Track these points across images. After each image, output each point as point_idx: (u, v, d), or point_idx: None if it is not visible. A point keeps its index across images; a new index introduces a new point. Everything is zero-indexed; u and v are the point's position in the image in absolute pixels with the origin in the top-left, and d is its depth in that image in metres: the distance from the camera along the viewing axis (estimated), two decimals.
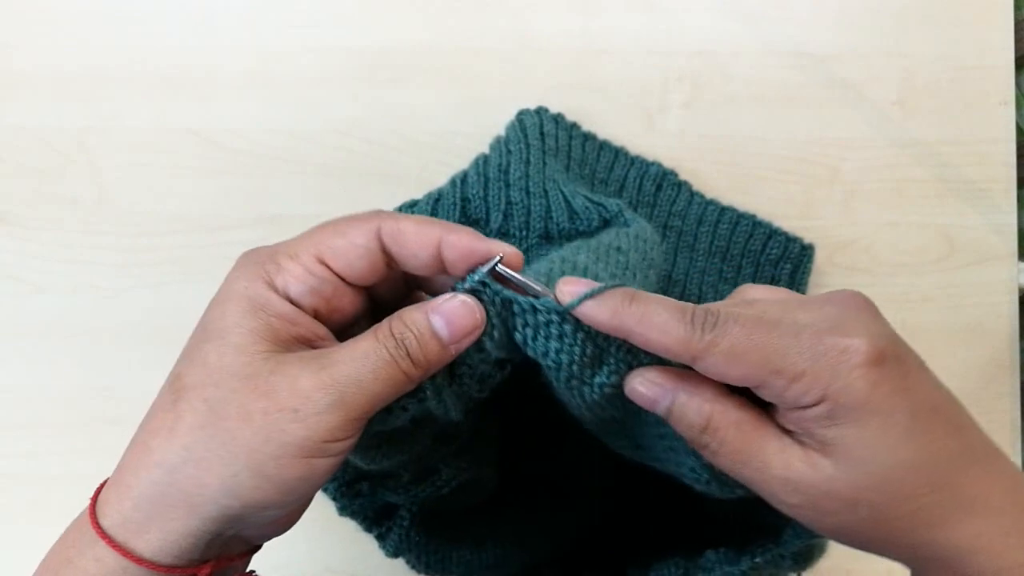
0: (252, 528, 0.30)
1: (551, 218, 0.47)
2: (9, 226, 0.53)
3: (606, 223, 0.46)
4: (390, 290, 0.33)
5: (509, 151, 0.49)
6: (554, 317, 0.29)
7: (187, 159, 0.53)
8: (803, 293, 0.52)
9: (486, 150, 0.52)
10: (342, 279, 0.30)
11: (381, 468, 0.36)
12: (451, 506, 0.42)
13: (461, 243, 0.30)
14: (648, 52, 0.54)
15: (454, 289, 0.31)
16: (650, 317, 0.29)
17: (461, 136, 0.53)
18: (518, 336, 0.30)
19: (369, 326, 0.30)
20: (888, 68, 0.55)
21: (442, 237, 0.30)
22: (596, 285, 0.29)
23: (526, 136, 0.50)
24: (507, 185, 0.48)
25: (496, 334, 0.31)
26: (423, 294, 0.34)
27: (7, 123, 0.53)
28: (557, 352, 0.30)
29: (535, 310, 0.30)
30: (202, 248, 0.53)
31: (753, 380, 0.28)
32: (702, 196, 0.53)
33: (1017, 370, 0.54)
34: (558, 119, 0.52)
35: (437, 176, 0.52)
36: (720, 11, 0.54)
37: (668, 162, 0.53)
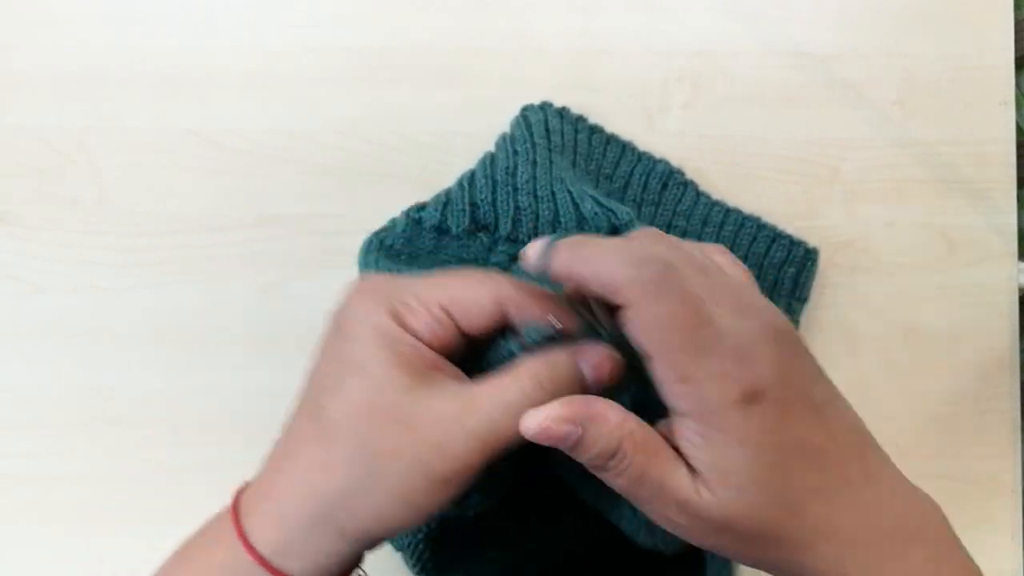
0: (374, 545, 0.33)
1: (559, 223, 0.47)
2: (9, 226, 0.53)
3: (615, 230, 0.46)
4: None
5: (515, 151, 0.49)
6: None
7: (187, 159, 0.53)
8: (806, 297, 0.52)
9: (486, 150, 0.52)
10: (459, 330, 0.32)
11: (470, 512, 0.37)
12: (460, 526, 0.43)
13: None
14: (648, 52, 0.54)
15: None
16: (598, 257, 0.30)
17: (461, 136, 0.53)
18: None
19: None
20: (888, 68, 0.55)
21: (554, 313, 0.32)
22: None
23: (531, 134, 0.49)
24: (515, 189, 0.48)
25: None
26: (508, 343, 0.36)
27: (7, 123, 0.53)
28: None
29: None
30: (202, 248, 0.53)
31: (649, 352, 0.29)
32: (708, 197, 0.53)
33: (1017, 370, 0.54)
34: (563, 113, 0.52)
35: (437, 176, 0.52)
36: (720, 11, 0.54)
37: (670, 162, 0.53)
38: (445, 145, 0.53)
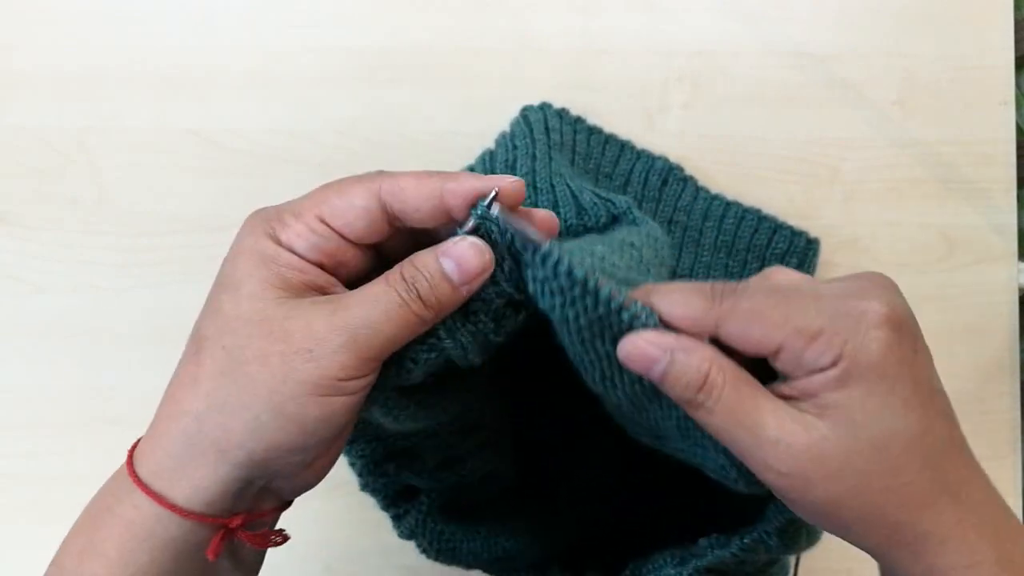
0: (281, 478, 0.31)
1: (558, 214, 0.47)
2: (9, 226, 0.53)
3: (614, 219, 0.46)
4: (400, 247, 0.33)
5: (515, 147, 0.49)
6: (549, 272, 0.30)
7: (187, 159, 0.53)
8: None
9: (486, 149, 0.52)
10: (344, 238, 0.31)
11: (407, 430, 0.37)
12: (469, 496, 0.43)
13: (462, 187, 0.31)
14: (648, 52, 0.54)
15: (457, 233, 0.31)
16: (671, 294, 0.30)
17: (461, 136, 0.53)
18: (529, 286, 0.31)
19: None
20: (888, 68, 0.55)
21: (442, 186, 0.31)
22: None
23: (531, 131, 0.50)
24: None
25: (506, 267, 0.31)
26: None
27: (7, 123, 0.53)
28: (561, 307, 0.30)
29: (536, 261, 0.30)
30: (202, 248, 0.53)
31: (773, 341, 0.28)
32: (707, 191, 0.53)
33: (1017, 370, 0.54)
34: (562, 113, 0.52)
35: None
36: (720, 11, 0.54)
37: (669, 159, 0.53)
38: (445, 145, 0.53)
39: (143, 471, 0.30)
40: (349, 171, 0.53)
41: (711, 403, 0.29)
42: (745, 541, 0.35)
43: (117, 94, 0.53)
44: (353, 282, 0.32)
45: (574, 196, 0.47)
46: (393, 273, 0.30)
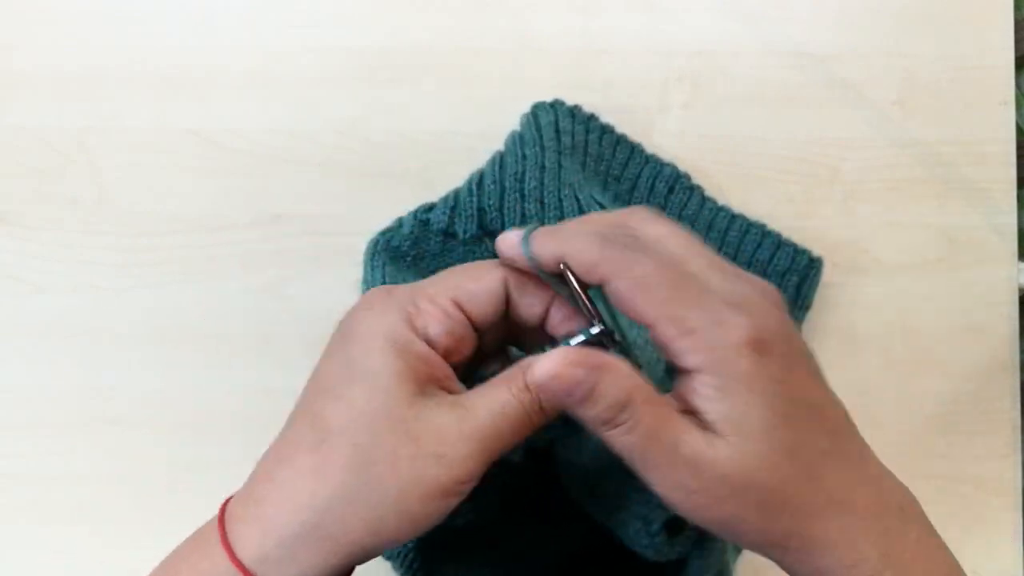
0: (367, 559, 0.32)
1: None
2: (9, 226, 0.53)
3: None
4: (493, 340, 0.34)
5: (524, 155, 0.49)
6: None
7: (187, 159, 0.53)
8: (809, 306, 0.52)
9: (487, 150, 0.52)
10: (472, 322, 0.32)
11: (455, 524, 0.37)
12: (451, 535, 0.43)
13: (567, 317, 0.33)
14: (648, 52, 0.54)
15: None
16: (571, 238, 0.30)
17: (461, 136, 0.53)
18: None
19: (472, 367, 0.33)
20: (888, 68, 0.55)
21: (554, 300, 0.33)
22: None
23: (541, 136, 0.49)
24: (522, 197, 0.48)
25: None
26: (513, 349, 0.36)
27: (7, 123, 0.53)
28: None
29: None
30: (202, 248, 0.53)
31: (648, 317, 0.29)
32: (714, 201, 0.53)
33: (1017, 370, 0.54)
34: (574, 112, 0.51)
35: (437, 176, 0.52)
36: (720, 11, 0.54)
37: (678, 166, 0.53)
38: (445, 145, 0.53)
39: (247, 556, 0.30)
40: (349, 171, 0.53)
41: (632, 422, 0.29)
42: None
43: (117, 94, 0.53)
44: (458, 368, 0.33)
45: (581, 211, 0.47)
46: (516, 380, 0.31)
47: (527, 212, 0.48)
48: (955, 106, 0.54)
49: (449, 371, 0.32)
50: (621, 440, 0.30)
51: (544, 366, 0.29)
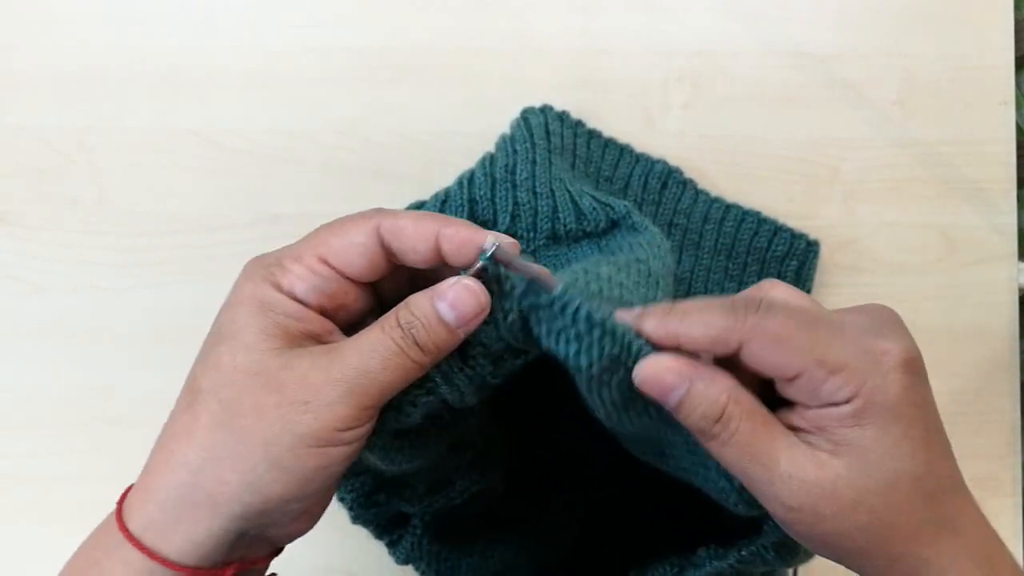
0: (276, 527, 0.31)
1: (558, 219, 0.47)
2: (9, 226, 0.53)
3: (614, 224, 0.46)
4: (395, 287, 0.33)
5: (515, 151, 0.49)
6: (568, 320, 0.29)
7: (187, 159, 0.53)
8: (808, 290, 0.52)
9: (486, 150, 0.52)
10: (345, 277, 0.31)
11: (402, 470, 0.36)
12: (460, 515, 0.43)
13: (458, 235, 0.31)
14: (648, 52, 0.54)
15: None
16: (692, 314, 0.29)
17: (461, 136, 0.53)
18: (535, 332, 0.31)
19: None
20: (888, 68, 0.55)
21: (439, 230, 0.31)
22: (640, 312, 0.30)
23: (531, 135, 0.50)
24: (514, 186, 0.48)
25: (510, 318, 0.31)
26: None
27: (7, 123, 0.53)
28: (576, 355, 0.30)
29: (553, 311, 0.30)
30: (202, 248, 0.53)
31: (794, 368, 0.28)
32: (707, 194, 0.53)
33: (1017, 370, 0.54)
34: (563, 117, 0.52)
35: (437, 176, 0.52)
36: (720, 11, 0.54)
37: (668, 162, 0.53)
38: (445, 145, 0.53)
39: (134, 525, 0.29)
40: (349, 171, 0.53)
41: (726, 435, 0.29)
42: (743, 553, 0.35)
43: (117, 94, 0.53)
44: (353, 325, 0.32)
45: (574, 201, 0.47)
46: (388, 319, 0.30)
47: (519, 200, 0.48)
48: (955, 106, 0.54)
49: (330, 326, 0.31)
50: (715, 451, 0.29)
51: (643, 368, 0.29)
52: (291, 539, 0.33)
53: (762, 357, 0.29)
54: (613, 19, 0.54)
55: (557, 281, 0.30)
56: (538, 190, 0.47)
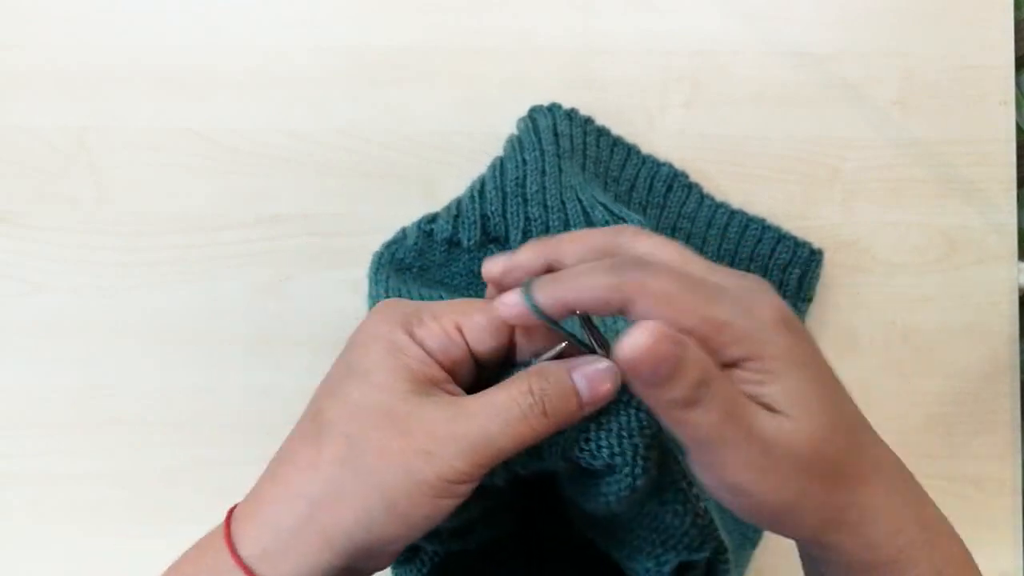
0: (367, 563, 0.32)
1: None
2: (9, 226, 0.53)
3: None
4: (492, 374, 0.34)
5: (524, 160, 0.49)
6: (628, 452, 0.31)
7: (187, 159, 0.53)
8: (811, 299, 0.52)
9: (487, 150, 0.52)
10: (470, 350, 0.32)
11: (451, 525, 0.37)
12: (466, 558, 0.43)
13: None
14: (648, 52, 0.54)
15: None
16: (577, 277, 0.30)
17: (461, 136, 0.53)
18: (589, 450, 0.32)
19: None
20: (888, 68, 0.55)
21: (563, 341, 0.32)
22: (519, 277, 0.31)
23: (540, 140, 0.49)
24: (525, 201, 0.48)
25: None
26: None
27: (7, 123, 0.53)
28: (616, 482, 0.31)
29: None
30: (202, 248, 0.53)
31: (683, 327, 0.28)
32: (712, 199, 0.53)
33: (1017, 370, 0.54)
34: (571, 115, 0.52)
35: (437, 176, 0.53)
36: (720, 11, 0.54)
37: (674, 164, 0.53)
38: (445, 145, 0.53)
39: (245, 551, 0.30)
40: (349, 171, 0.53)
41: (709, 398, 0.28)
42: None
43: (117, 94, 0.53)
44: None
45: (585, 213, 0.47)
46: (517, 385, 0.30)
47: (531, 216, 0.48)
48: (955, 106, 0.54)
49: (448, 377, 0.32)
50: (699, 419, 0.28)
51: (632, 340, 0.27)
52: (370, 574, 0.33)
53: (649, 317, 0.28)
54: (613, 19, 0.54)
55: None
56: (548, 203, 0.48)
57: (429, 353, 0.31)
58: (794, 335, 0.29)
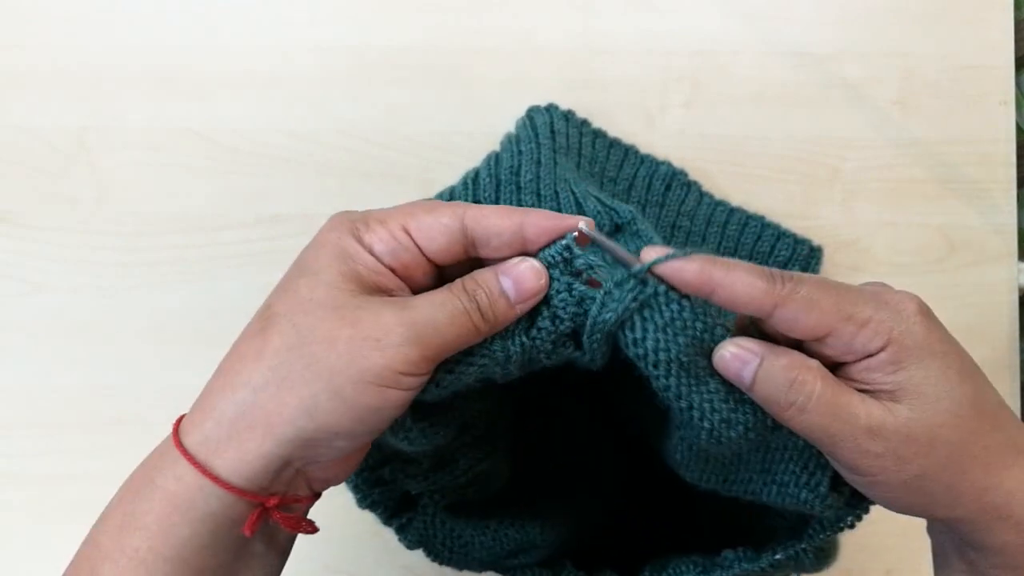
0: (317, 464, 0.32)
1: None
2: (9, 226, 0.53)
3: (618, 228, 0.46)
4: (459, 274, 0.35)
5: (520, 151, 0.49)
6: (658, 300, 0.31)
7: (187, 159, 0.53)
8: None
9: (487, 150, 0.52)
10: (421, 252, 0.32)
11: (416, 449, 0.37)
12: (470, 498, 0.43)
13: (543, 221, 0.32)
14: (648, 52, 0.54)
15: (535, 258, 0.33)
16: (734, 272, 0.31)
17: (461, 136, 0.53)
18: (625, 335, 0.32)
19: None
20: (888, 68, 0.55)
21: (523, 219, 0.32)
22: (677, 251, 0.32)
23: (537, 135, 0.50)
24: (518, 188, 0.48)
25: (569, 310, 0.32)
26: None
27: (7, 123, 0.53)
28: (665, 344, 0.31)
29: (640, 293, 0.31)
30: (202, 248, 0.53)
31: (826, 327, 0.31)
32: (711, 197, 0.53)
33: (1017, 370, 0.54)
34: (568, 116, 0.52)
35: (438, 176, 0.53)
36: (720, 11, 0.54)
37: (672, 163, 0.53)
38: (446, 145, 0.53)
39: (189, 440, 0.30)
40: (349, 171, 0.53)
41: (803, 399, 0.30)
42: (778, 557, 0.36)
43: (117, 94, 0.53)
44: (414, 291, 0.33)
45: (578, 203, 0.47)
46: (455, 284, 0.32)
47: (523, 204, 0.48)
48: (955, 106, 0.54)
49: (400, 283, 0.32)
50: (795, 418, 0.31)
51: (721, 349, 0.31)
52: (327, 485, 0.34)
53: (796, 320, 0.31)
54: (613, 19, 0.54)
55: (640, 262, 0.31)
56: (542, 192, 0.47)
57: (378, 258, 0.32)
58: (933, 324, 0.31)
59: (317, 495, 0.34)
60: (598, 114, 0.53)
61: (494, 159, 0.50)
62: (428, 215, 0.32)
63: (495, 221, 0.32)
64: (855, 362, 0.31)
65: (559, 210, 0.47)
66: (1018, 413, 0.54)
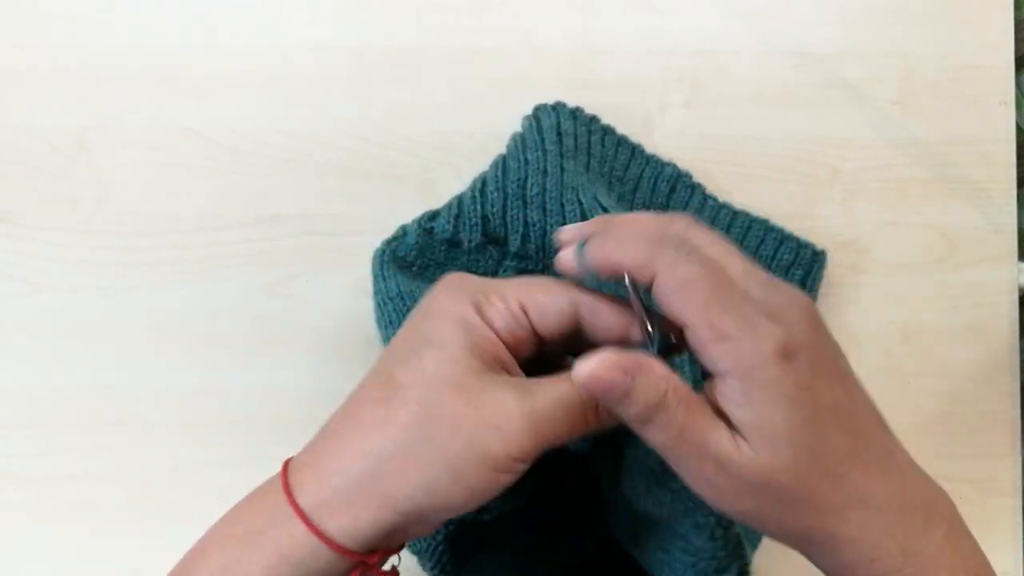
0: (418, 528, 0.33)
1: None
2: (9, 226, 0.53)
3: None
4: (558, 344, 0.36)
5: (527, 160, 0.49)
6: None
7: (187, 159, 0.53)
8: (814, 300, 0.52)
9: (487, 150, 0.52)
10: (533, 328, 0.34)
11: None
12: (479, 530, 0.43)
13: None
14: (648, 52, 0.54)
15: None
16: (623, 241, 0.32)
17: (461, 136, 0.53)
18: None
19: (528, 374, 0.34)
20: (888, 68, 0.55)
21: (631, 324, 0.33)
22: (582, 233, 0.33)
23: (543, 140, 0.49)
24: (525, 204, 0.48)
25: None
26: (570, 358, 0.37)
27: (7, 123, 0.53)
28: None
29: None
30: (202, 248, 0.53)
31: (685, 320, 0.30)
32: (715, 199, 0.53)
33: (1017, 370, 0.54)
34: (576, 114, 0.52)
35: (438, 176, 0.53)
36: (720, 11, 0.54)
37: (678, 165, 0.53)
38: (446, 145, 0.53)
39: (305, 501, 0.31)
40: (349, 171, 0.53)
41: (664, 420, 0.30)
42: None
43: (117, 94, 0.53)
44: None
45: (583, 216, 0.47)
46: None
47: (530, 219, 0.48)
48: (955, 106, 0.54)
49: (512, 359, 0.33)
50: (654, 437, 0.31)
51: (584, 367, 0.30)
52: (416, 538, 0.35)
53: (662, 297, 0.31)
54: (613, 19, 0.54)
55: None
56: (548, 206, 0.48)
57: (497, 333, 0.32)
58: (793, 367, 0.30)
59: (403, 544, 0.35)
60: (598, 114, 0.53)
61: (501, 167, 0.50)
62: (545, 295, 0.34)
63: (607, 319, 0.33)
64: (713, 380, 0.31)
65: (564, 222, 0.47)
66: (1018, 413, 0.54)
